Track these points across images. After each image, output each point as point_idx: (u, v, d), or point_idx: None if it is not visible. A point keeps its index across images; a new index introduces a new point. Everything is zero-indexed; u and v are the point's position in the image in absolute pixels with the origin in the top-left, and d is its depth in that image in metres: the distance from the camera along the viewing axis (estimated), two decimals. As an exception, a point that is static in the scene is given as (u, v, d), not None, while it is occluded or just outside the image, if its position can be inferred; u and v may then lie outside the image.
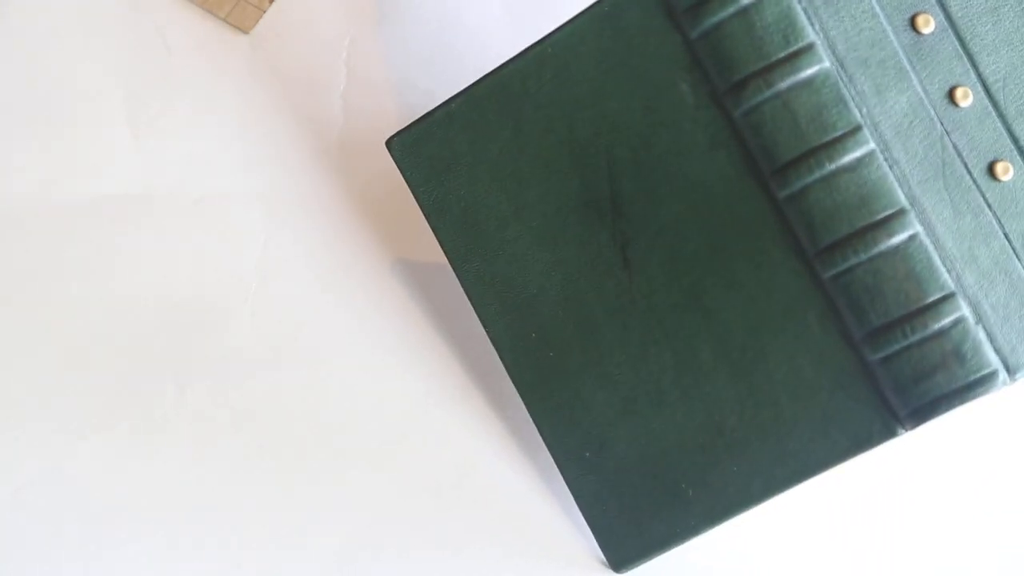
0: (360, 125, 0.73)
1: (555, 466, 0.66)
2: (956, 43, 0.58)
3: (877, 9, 0.58)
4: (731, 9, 0.57)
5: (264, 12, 0.74)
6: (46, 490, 0.67)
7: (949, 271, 0.56)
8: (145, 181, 0.72)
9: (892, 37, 0.58)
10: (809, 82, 0.57)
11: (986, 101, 0.59)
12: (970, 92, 0.58)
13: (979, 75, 0.59)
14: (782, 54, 0.57)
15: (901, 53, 0.58)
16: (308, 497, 0.67)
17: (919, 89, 0.58)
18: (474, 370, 0.69)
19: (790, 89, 0.57)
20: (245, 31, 0.74)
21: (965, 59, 0.59)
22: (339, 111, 0.73)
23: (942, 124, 0.58)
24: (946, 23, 0.59)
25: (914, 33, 0.58)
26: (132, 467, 0.68)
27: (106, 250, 0.71)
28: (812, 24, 0.57)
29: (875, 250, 0.56)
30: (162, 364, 0.69)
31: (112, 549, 0.67)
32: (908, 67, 0.58)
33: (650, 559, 0.64)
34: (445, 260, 0.70)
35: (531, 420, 0.67)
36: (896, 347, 0.56)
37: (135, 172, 0.72)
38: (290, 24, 0.74)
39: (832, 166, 0.56)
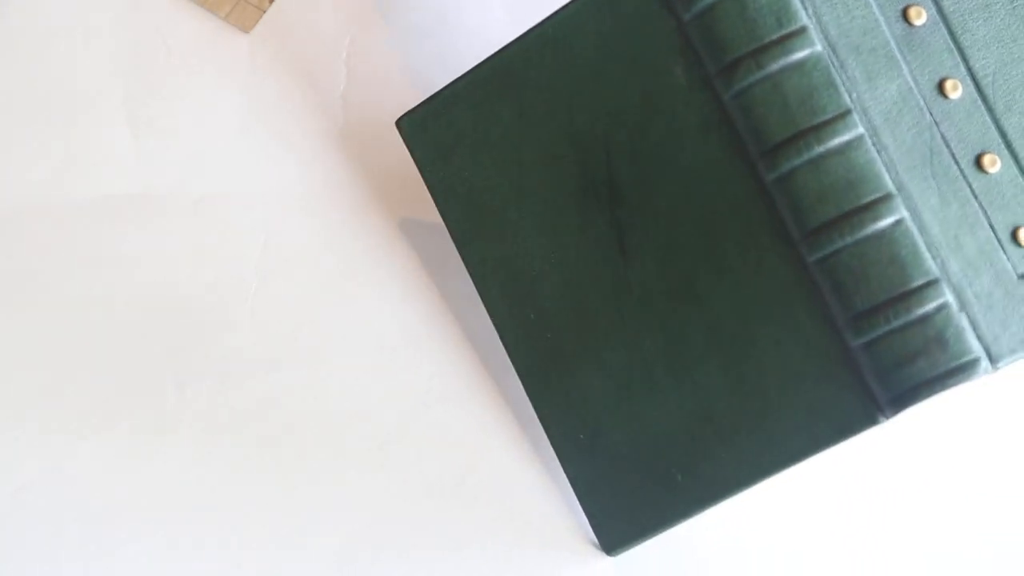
0: (360, 125, 0.73)
1: (547, 452, 0.67)
2: (947, 37, 0.59)
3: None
4: None
5: (264, 12, 0.74)
6: (46, 490, 0.67)
7: (934, 257, 0.56)
8: (145, 181, 0.72)
9: (884, 26, 0.58)
10: (800, 65, 0.56)
11: (975, 95, 0.59)
12: (960, 85, 0.58)
13: (969, 69, 0.59)
14: (774, 36, 0.56)
15: (892, 43, 0.58)
16: (308, 497, 0.67)
17: (909, 79, 0.58)
18: (475, 368, 0.69)
19: (781, 71, 0.57)
20: (245, 31, 0.74)
21: (956, 53, 0.59)
22: (339, 111, 0.73)
23: (931, 114, 0.58)
24: (938, 17, 0.59)
25: (906, 24, 0.59)
26: (132, 467, 0.68)
27: (106, 250, 0.71)
28: (805, 8, 0.57)
29: (861, 234, 0.56)
30: (162, 364, 0.69)
31: (112, 549, 0.67)
32: (899, 56, 0.58)
33: (641, 542, 0.64)
34: (445, 261, 0.70)
35: (528, 415, 0.68)
36: (879, 332, 0.56)
37: (135, 172, 0.72)
38: (290, 24, 0.74)
39: (820, 148, 0.56)
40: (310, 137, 0.73)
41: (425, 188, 0.71)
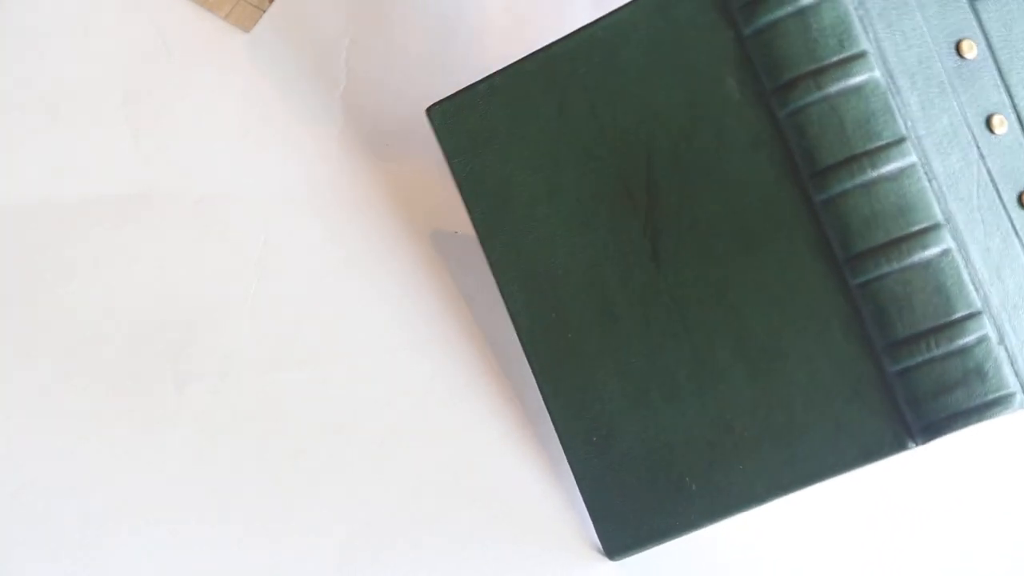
0: (360, 125, 0.73)
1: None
2: (996, 73, 0.60)
3: (925, 29, 0.59)
4: (788, 8, 0.57)
5: (264, 12, 0.75)
6: (46, 490, 0.67)
7: (977, 289, 0.57)
8: (145, 181, 0.72)
9: (938, 58, 0.59)
10: (859, 89, 0.57)
11: (1020, 132, 0.59)
12: (1006, 121, 0.59)
13: (1015, 106, 0.60)
14: (835, 58, 0.57)
15: (945, 74, 0.59)
16: (308, 496, 0.67)
17: (959, 111, 0.59)
18: (476, 368, 0.69)
19: (839, 94, 0.57)
20: (245, 31, 0.74)
21: (1003, 90, 0.60)
22: (339, 111, 0.73)
23: (978, 147, 0.59)
24: (988, 52, 0.60)
25: (958, 57, 0.60)
26: (132, 467, 0.68)
27: (106, 250, 0.71)
28: (867, 33, 0.57)
29: (908, 261, 0.56)
30: (162, 364, 0.69)
31: (112, 549, 0.67)
32: (951, 89, 0.59)
33: (645, 549, 0.64)
34: (445, 260, 0.70)
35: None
36: (918, 360, 0.57)
37: (135, 172, 0.72)
38: (290, 24, 0.74)
39: (874, 173, 0.57)
40: (310, 137, 0.73)
41: (424, 188, 0.71)
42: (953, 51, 0.59)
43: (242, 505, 0.67)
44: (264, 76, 0.73)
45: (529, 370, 0.69)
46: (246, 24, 0.74)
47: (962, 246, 0.57)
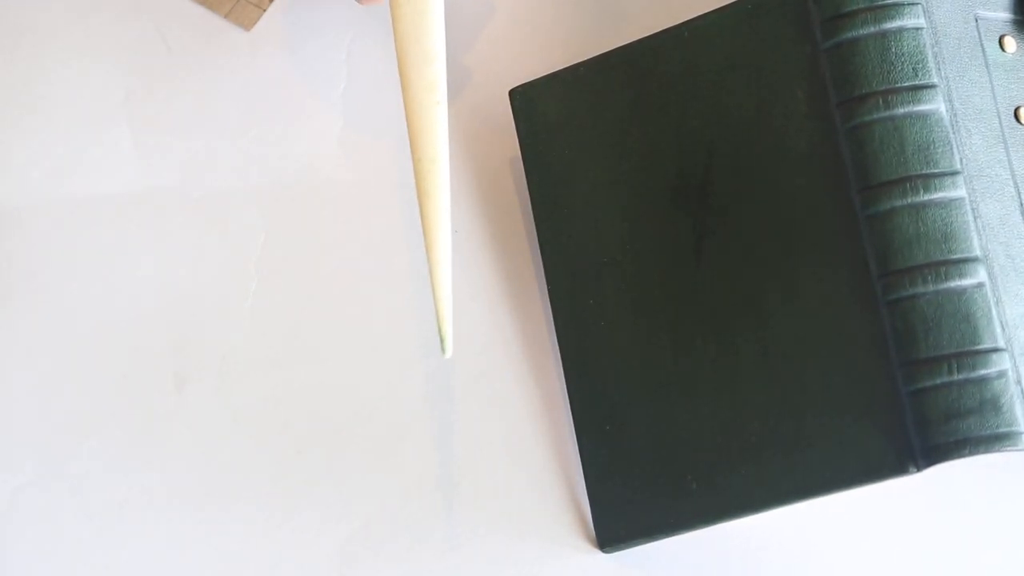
0: (360, 125, 0.73)
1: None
2: None
3: (990, 87, 0.61)
4: (871, 29, 0.59)
5: (264, 11, 0.74)
6: (46, 490, 0.67)
7: (1003, 328, 0.58)
8: (145, 181, 0.72)
9: (997, 115, 0.61)
10: (924, 116, 0.59)
11: None
12: None
13: None
14: (907, 83, 0.59)
15: (1001, 131, 0.61)
16: (308, 496, 0.67)
17: (1009, 166, 0.60)
18: (474, 367, 0.69)
19: (906, 116, 0.59)
20: (246, 30, 0.74)
21: None
22: (339, 111, 0.73)
23: (1022, 205, 0.60)
24: None
25: (1016, 122, 0.62)
26: (132, 466, 0.68)
27: (106, 250, 0.71)
28: (940, 71, 0.59)
29: (943, 286, 0.57)
30: (162, 363, 0.69)
31: (112, 549, 0.67)
32: (1004, 145, 0.61)
33: (638, 544, 0.65)
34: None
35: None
36: (936, 382, 0.57)
37: (135, 172, 0.72)
38: (290, 23, 0.74)
39: (926, 197, 0.58)
40: (310, 136, 0.73)
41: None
42: (1012, 115, 0.61)
43: (242, 505, 0.67)
44: (264, 75, 0.73)
45: (529, 369, 0.69)
46: (246, 23, 0.74)
47: (995, 286, 0.58)
